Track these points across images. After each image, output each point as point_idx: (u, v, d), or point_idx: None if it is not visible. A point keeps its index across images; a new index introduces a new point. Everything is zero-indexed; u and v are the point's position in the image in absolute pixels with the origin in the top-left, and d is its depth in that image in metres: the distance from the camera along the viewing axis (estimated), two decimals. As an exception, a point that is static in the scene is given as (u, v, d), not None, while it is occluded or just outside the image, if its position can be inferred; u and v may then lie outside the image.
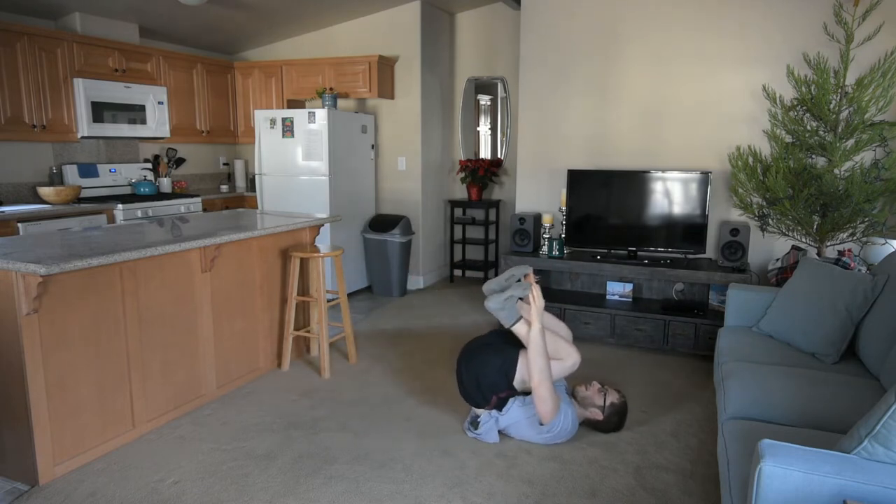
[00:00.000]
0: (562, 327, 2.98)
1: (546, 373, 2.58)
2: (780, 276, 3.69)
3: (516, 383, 2.70)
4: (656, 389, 3.36)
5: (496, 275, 6.10)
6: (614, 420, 2.80)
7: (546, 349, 2.62)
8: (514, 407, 2.71)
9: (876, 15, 3.61)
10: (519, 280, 2.77)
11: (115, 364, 2.66)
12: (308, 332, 3.83)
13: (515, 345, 2.77)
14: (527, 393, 2.74)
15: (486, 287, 2.80)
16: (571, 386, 2.91)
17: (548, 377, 2.58)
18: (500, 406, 2.74)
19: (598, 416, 2.78)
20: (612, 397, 2.81)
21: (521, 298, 2.72)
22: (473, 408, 2.82)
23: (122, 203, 4.47)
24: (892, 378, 2.17)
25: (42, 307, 2.35)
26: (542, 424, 2.65)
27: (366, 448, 2.68)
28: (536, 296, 2.65)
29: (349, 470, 2.50)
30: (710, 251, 4.21)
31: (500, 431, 2.76)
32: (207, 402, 3.16)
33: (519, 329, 2.66)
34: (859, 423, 1.50)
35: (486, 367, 2.72)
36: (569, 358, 2.73)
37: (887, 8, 3.59)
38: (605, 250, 4.25)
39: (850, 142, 3.56)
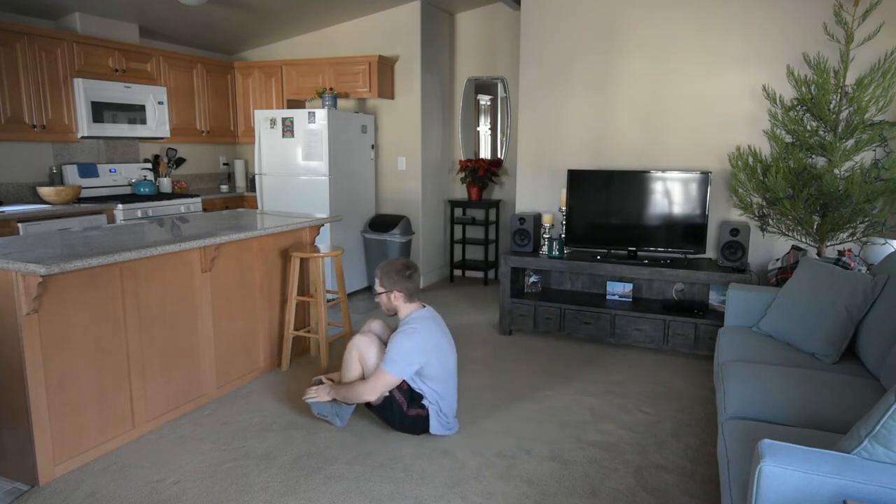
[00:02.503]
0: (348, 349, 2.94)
1: (361, 391, 2.69)
2: (780, 276, 3.69)
3: (383, 400, 2.71)
4: (656, 389, 3.36)
5: (496, 275, 6.10)
6: (394, 276, 2.74)
7: (350, 388, 2.74)
8: (418, 389, 2.72)
9: (876, 15, 3.61)
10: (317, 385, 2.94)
11: (115, 364, 2.66)
12: (308, 331, 3.83)
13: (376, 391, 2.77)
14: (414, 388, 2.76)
15: (315, 413, 2.92)
16: (385, 327, 2.97)
17: (365, 389, 2.68)
18: (419, 401, 2.72)
19: (398, 297, 2.76)
20: (376, 285, 2.80)
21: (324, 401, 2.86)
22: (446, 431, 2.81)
23: (122, 203, 4.47)
24: (892, 378, 2.17)
25: (42, 307, 2.35)
26: (411, 377, 2.70)
27: (366, 448, 2.68)
28: (312, 392, 2.85)
29: (349, 470, 2.50)
30: (710, 251, 4.21)
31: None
32: (207, 402, 3.16)
33: (344, 402, 2.80)
34: (859, 423, 1.50)
35: (385, 419, 2.78)
36: (353, 349, 2.81)
37: (887, 8, 3.59)
38: (605, 250, 4.25)
39: (850, 142, 3.56)
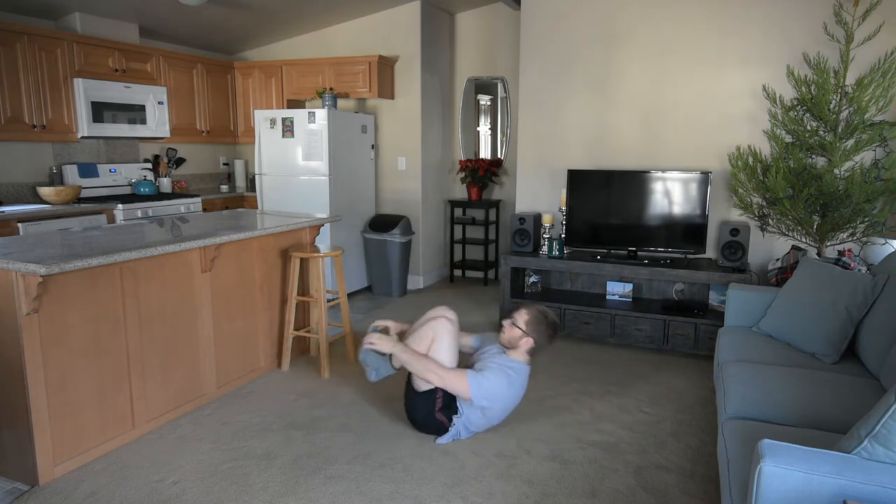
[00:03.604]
0: (433, 312, 2.89)
1: (428, 369, 2.61)
2: (780, 276, 3.69)
3: (422, 389, 2.70)
4: (656, 389, 3.36)
5: (496, 276, 6.10)
6: (543, 329, 2.75)
7: (414, 355, 2.66)
8: (464, 408, 2.70)
9: (876, 15, 3.61)
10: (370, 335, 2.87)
11: (115, 364, 2.66)
12: (308, 332, 3.83)
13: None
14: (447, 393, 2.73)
15: (360, 359, 2.87)
16: (498, 342, 2.91)
17: (433, 370, 2.61)
18: (452, 413, 2.70)
19: (528, 342, 2.75)
20: (522, 318, 2.78)
21: (379, 352, 2.80)
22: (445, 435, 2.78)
23: (122, 203, 4.47)
24: (892, 378, 2.17)
25: (42, 307, 2.35)
26: (475, 405, 2.65)
27: (366, 448, 2.68)
28: (374, 338, 2.75)
29: (349, 470, 2.50)
30: (710, 251, 4.21)
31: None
32: (207, 402, 3.16)
33: (399, 364, 2.75)
34: (859, 423, 1.50)
35: (408, 403, 2.78)
36: (437, 333, 2.72)
37: (887, 8, 3.59)
38: (605, 250, 4.25)
39: (850, 142, 3.56)
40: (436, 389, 2.68)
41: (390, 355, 2.76)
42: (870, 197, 3.40)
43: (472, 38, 5.80)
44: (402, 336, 2.93)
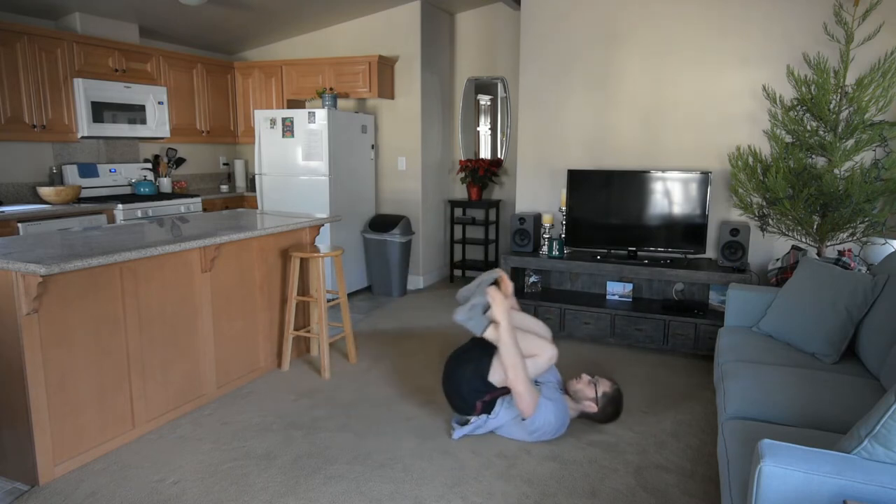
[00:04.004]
0: (537, 324, 2.96)
1: (519, 368, 2.59)
2: (780, 276, 3.69)
3: (494, 381, 2.69)
4: (656, 389, 3.36)
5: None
6: (609, 410, 2.79)
7: (516, 346, 2.63)
8: (501, 410, 2.72)
9: (876, 15, 3.61)
10: (491, 284, 2.79)
11: (115, 364, 2.66)
12: (308, 332, 3.83)
13: (488, 347, 2.77)
14: (505, 391, 2.75)
15: (459, 295, 2.83)
16: (564, 381, 2.91)
17: (521, 373, 2.59)
18: (487, 410, 2.73)
19: (592, 408, 2.78)
20: (604, 387, 2.80)
21: (487, 306, 2.74)
22: (464, 416, 2.81)
23: (122, 203, 4.47)
24: (892, 378, 2.17)
25: (42, 307, 2.35)
26: (524, 420, 2.66)
27: (366, 448, 2.68)
28: (499, 298, 2.68)
29: (349, 470, 2.50)
30: (710, 251, 4.21)
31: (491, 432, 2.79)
32: (207, 402, 3.16)
33: (490, 335, 2.70)
34: (859, 423, 1.50)
35: (464, 376, 2.74)
36: (543, 353, 2.72)
37: (887, 8, 3.59)
38: (605, 250, 4.25)
39: (850, 142, 3.56)
40: (492, 387, 2.69)
41: (490, 322, 2.69)
42: (870, 197, 3.40)
43: (472, 38, 5.80)
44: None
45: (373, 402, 3.17)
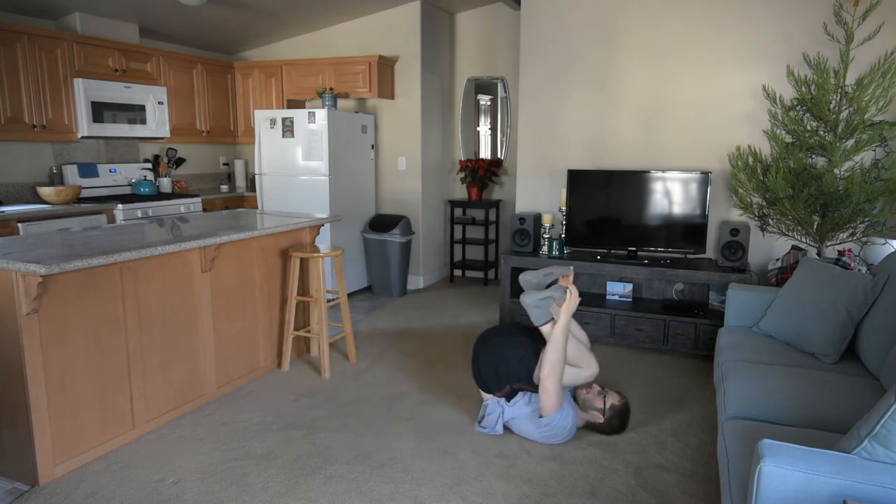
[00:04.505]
0: (584, 336, 3.01)
1: (558, 367, 2.64)
2: (780, 276, 3.69)
3: (535, 378, 2.75)
4: (656, 389, 3.36)
5: (496, 275, 6.10)
6: (615, 422, 2.80)
7: (564, 348, 2.68)
8: (520, 401, 2.76)
9: (876, 15, 3.61)
10: (557, 280, 2.83)
11: (115, 364, 2.66)
12: (308, 332, 3.83)
13: (538, 340, 2.84)
14: (536, 389, 2.78)
15: (524, 280, 2.86)
16: (573, 389, 2.92)
17: (558, 372, 2.64)
18: (509, 396, 2.79)
19: (598, 419, 2.78)
20: (613, 399, 2.81)
21: (555, 301, 2.77)
22: (482, 392, 2.86)
23: (122, 203, 4.47)
24: (892, 378, 2.17)
25: (42, 307, 2.35)
26: (541, 417, 2.68)
27: (366, 448, 2.68)
28: (573, 295, 2.72)
29: (349, 470, 2.50)
30: (710, 251, 4.21)
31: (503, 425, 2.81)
32: (207, 402, 3.16)
33: (546, 329, 2.75)
34: (859, 423, 1.50)
35: (508, 357, 2.80)
36: (588, 368, 2.82)
37: (887, 8, 3.59)
38: (605, 250, 4.25)
39: (850, 142, 3.56)
40: (530, 382, 2.75)
41: (551, 319, 2.73)
42: (870, 197, 3.40)
43: (472, 38, 5.80)
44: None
45: (373, 402, 3.17)
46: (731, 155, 3.99)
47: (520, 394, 2.80)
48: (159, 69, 5.03)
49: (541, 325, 2.76)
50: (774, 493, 1.43)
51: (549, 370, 2.63)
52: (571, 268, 2.86)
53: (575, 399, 2.87)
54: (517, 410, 2.75)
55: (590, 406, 2.81)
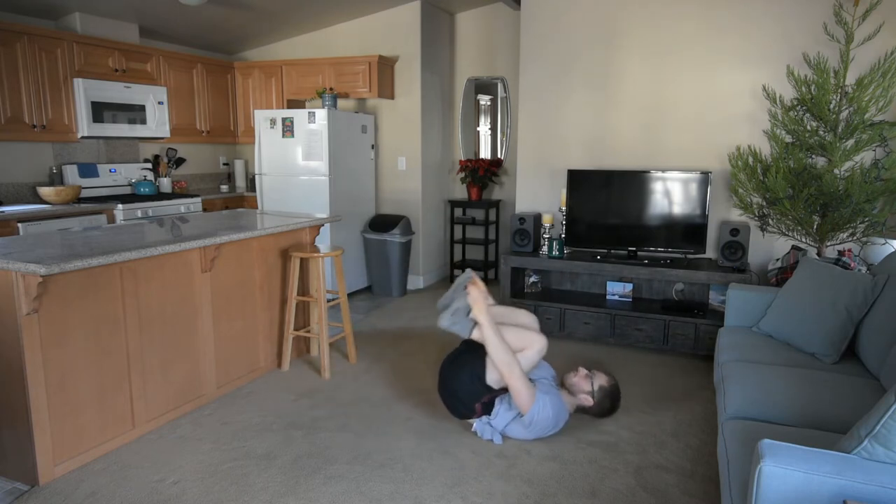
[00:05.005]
0: (523, 316, 2.93)
1: (510, 362, 2.60)
2: (780, 276, 3.69)
3: (491, 382, 2.69)
4: (656, 389, 3.36)
5: (496, 275, 6.10)
6: (606, 404, 2.78)
7: (503, 343, 2.63)
8: (500, 410, 2.72)
9: (876, 15, 3.61)
10: (465, 288, 2.79)
11: (115, 364, 2.66)
12: (308, 332, 3.83)
13: (480, 348, 2.77)
14: (503, 391, 2.75)
15: (439, 304, 2.83)
16: (560, 375, 2.90)
17: (514, 366, 2.60)
18: (487, 411, 2.74)
19: (588, 401, 2.77)
20: (600, 380, 2.78)
21: (469, 308, 2.74)
22: (466, 420, 2.81)
23: (122, 203, 4.47)
24: (892, 378, 2.17)
25: (42, 307, 2.35)
26: (523, 416, 2.66)
27: (366, 448, 2.68)
28: (479, 298, 2.68)
29: (349, 470, 2.50)
30: (710, 251, 4.21)
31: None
32: (207, 402, 3.16)
33: (477, 336, 2.72)
34: (859, 423, 1.50)
35: (460, 379, 2.74)
36: (533, 345, 2.71)
37: (887, 8, 3.59)
38: (605, 250, 4.25)
39: (850, 142, 3.56)
40: (490, 389, 2.69)
41: (475, 324, 2.70)
42: (870, 197, 3.40)
43: (472, 38, 5.80)
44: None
45: (373, 402, 3.17)
46: (731, 155, 3.99)
47: (496, 403, 2.73)
48: (159, 69, 5.03)
49: (473, 336, 2.72)
50: (774, 493, 1.43)
51: (506, 370, 2.59)
52: (470, 270, 2.85)
53: (562, 385, 2.86)
54: (503, 420, 2.71)
55: (578, 390, 2.79)
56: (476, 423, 2.76)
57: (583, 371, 2.83)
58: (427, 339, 4.19)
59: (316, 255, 3.48)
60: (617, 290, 4.28)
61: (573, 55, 4.43)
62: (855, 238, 3.61)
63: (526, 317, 2.94)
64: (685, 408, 3.12)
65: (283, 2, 4.77)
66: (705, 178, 3.92)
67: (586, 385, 2.78)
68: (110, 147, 5.06)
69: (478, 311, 2.67)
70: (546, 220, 4.25)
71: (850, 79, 3.64)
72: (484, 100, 5.93)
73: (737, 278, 3.70)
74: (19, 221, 3.81)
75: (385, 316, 4.77)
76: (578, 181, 4.19)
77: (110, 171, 4.96)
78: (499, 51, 5.69)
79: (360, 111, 5.57)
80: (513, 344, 2.70)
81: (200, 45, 5.77)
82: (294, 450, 2.66)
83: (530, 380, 2.79)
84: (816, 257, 3.43)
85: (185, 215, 3.94)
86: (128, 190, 5.09)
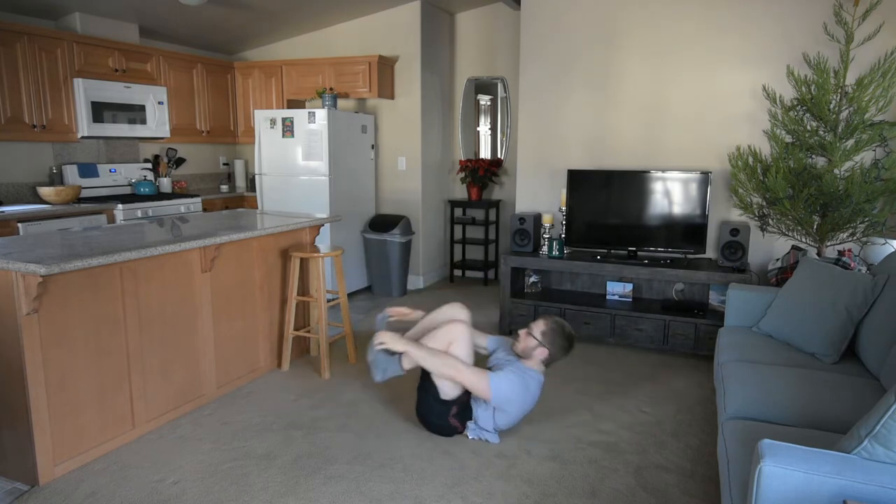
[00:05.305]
0: (446, 310, 2.91)
1: (450, 366, 2.60)
2: (780, 276, 3.69)
3: (446, 396, 2.70)
4: (656, 389, 3.36)
5: (496, 276, 6.10)
6: (559, 340, 2.75)
7: (431, 354, 2.64)
8: (479, 411, 2.71)
9: (876, 15, 3.61)
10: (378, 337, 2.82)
11: (115, 364, 2.66)
12: (308, 332, 3.83)
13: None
14: (468, 398, 2.74)
15: (368, 359, 2.83)
16: (513, 350, 2.90)
17: (454, 367, 2.60)
18: (465, 418, 2.73)
19: (543, 353, 2.75)
20: (538, 328, 2.76)
21: (390, 351, 2.75)
22: (460, 435, 2.81)
23: (122, 203, 4.47)
24: (892, 378, 2.17)
25: (42, 307, 2.35)
26: (494, 406, 2.66)
27: (366, 448, 2.68)
28: (385, 336, 2.70)
29: (349, 470, 2.50)
30: (710, 251, 4.21)
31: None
32: (207, 402, 3.16)
33: (408, 365, 2.74)
34: (859, 423, 1.50)
35: (424, 404, 2.77)
36: (455, 335, 2.70)
37: (887, 8, 3.59)
38: (605, 250, 4.25)
39: (850, 142, 3.56)
40: (451, 401, 2.69)
41: (400, 355, 2.73)
42: (870, 197, 3.40)
43: (472, 38, 5.80)
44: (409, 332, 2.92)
45: (373, 402, 3.17)
46: (731, 155, 3.99)
47: (472, 406, 2.72)
48: (159, 69, 5.03)
49: (405, 367, 2.75)
50: (774, 493, 1.43)
51: (448, 372, 2.60)
52: (385, 309, 2.94)
53: (519, 357, 2.83)
54: (485, 417, 2.70)
55: (528, 350, 2.77)
56: (469, 432, 2.76)
57: (522, 332, 2.81)
58: (427, 339, 4.19)
59: (316, 255, 3.48)
60: (617, 290, 4.28)
61: (573, 55, 4.43)
62: (855, 238, 3.61)
63: (449, 309, 2.91)
64: (685, 408, 3.12)
65: (283, 2, 4.77)
66: (705, 178, 3.92)
67: (530, 341, 2.76)
68: (110, 147, 5.06)
69: (392, 345, 2.69)
70: (546, 220, 4.25)
71: (850, 79, 3.64)
72: (484, 100, 5.93)
73: (737, 278, 3.70)
74: (19, 221, 3.81)
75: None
76: (578, 181, 4.19)
77: (110, 171, 4.96)
78: (499, 51, 5.69)
79: (360, 111, 5.57)
80: (440, 345, 2.70)
81: (200, 45, 5.78)
82: (294, 450, 2.66)
83: (489, 367, 2.79)
84: (816, 257, 3.43)
85: (185, 215, 3.94)
86: (128, 190, 5.09)
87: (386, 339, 2.71)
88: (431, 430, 2.80)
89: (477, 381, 2.61)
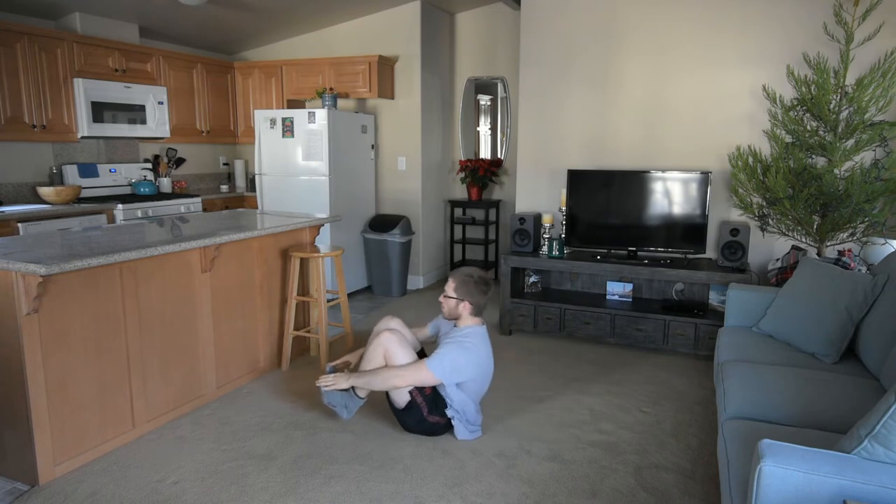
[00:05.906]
0: (382, 329, 2.91)
1: (396, 377, 2.63)
2: (780, 276, 3.69)
3: (400, 403, 2.72)
4: (656, 389, 3.36)
5: (496, 276, 6.10)
6: (471, 287, 2.75)
7: (376, 375, 2.67)
8: (449, 396, 2.70)
9: (876, 15, 3.61)
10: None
11: (115, 364, 2.66)
12: (308, 332, 3.83)
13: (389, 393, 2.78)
14: (441, 406, 2.75)
15: (325, 402, 2.84)
16: (404, 325, 2.93)
17: (399, 375, 2.63)
18: (438, 412, 2.73)
19: (466, 306, 2.76)
20: (451, 286, 2.78)
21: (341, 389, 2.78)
22: (447, 434, 2.82)
23: (122, 203, 4.47)
24: (892, 378, 2.17)
25: (42, 307, 2.35)
26: (447, 387, 2.67)
27: (366, 448, 2.68)
28: (327, 381, 2.74)
29: (349, 470, 2.50)
30: (710, 251, 4.21)
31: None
32: (207, 402, 3.16)
33: (363, 394, 2.79)
34: (859, 423, 1.50)
35: (400, 418, 2.78)
36: (389, 347, 2.71)
37: (887, 8, 3.59)
38: (605, 250, 4.25)
39: (850, 142, 3.56)
40: (412, 399, 2.69)
41: (352, 388, 2.77)
42: (870, 197, 3.40)
43: (472, 38, 5.80)
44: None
45: (373, 402, 3.17)
46: (731, 155, 3.99)
47: (443, 398, 2.72)
48: (159, 69, 5.03)
49: (362, 399, 2.79)
50: (774, 493, 1.43)
51: (398, 382, 2.63)
52: (329, 364, 2.96)
53: (455, 324, 2.85)
54: (457, 399, 2.70)
55: (453, 312, 2.79)
56: (456, 431, 2.75)
57: (441, 298, 2.85)
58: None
59: (316, 255, 3.48)
60: (617, 289, 4.28)
61: (573, 55, 4.43)
62: (855, 238, 3.61)
63: (377, 327, 2.93)
64: (685, 408, 3.12)
65: (283, 2, 4.77)
66: (705, 178, 3.92)
67: (450, 302, 2.79)
68: (110, 147, 5.06)
69: (337, 385, 2.73)
70: (546, 220, 4.25)
71: (850, 79, 3.64)
72: (484, 100, 5.93)
73: (737, 278, 3.70)
74: (19, 221, 3.81)
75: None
76: (578, 181, 4.19)
77: (110, 171, 4.96)
78: (499, 51, 5.69)
79: (360, 111, 5.57)
80: (378, 362, 2.74)
81: (200, 45, 5.78)
82: (294, 450, 2.66)
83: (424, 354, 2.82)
84: (816, 257, 3.43)
85: (185, 215, 3.94)
86: (128, 190, 5.09)
87: (329, 381, 2.75)
88: (423, 435, 2.80)
89: (418, 375, 2.63)
